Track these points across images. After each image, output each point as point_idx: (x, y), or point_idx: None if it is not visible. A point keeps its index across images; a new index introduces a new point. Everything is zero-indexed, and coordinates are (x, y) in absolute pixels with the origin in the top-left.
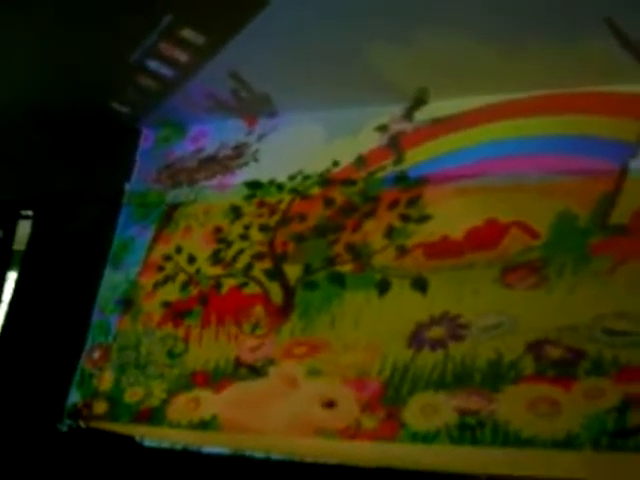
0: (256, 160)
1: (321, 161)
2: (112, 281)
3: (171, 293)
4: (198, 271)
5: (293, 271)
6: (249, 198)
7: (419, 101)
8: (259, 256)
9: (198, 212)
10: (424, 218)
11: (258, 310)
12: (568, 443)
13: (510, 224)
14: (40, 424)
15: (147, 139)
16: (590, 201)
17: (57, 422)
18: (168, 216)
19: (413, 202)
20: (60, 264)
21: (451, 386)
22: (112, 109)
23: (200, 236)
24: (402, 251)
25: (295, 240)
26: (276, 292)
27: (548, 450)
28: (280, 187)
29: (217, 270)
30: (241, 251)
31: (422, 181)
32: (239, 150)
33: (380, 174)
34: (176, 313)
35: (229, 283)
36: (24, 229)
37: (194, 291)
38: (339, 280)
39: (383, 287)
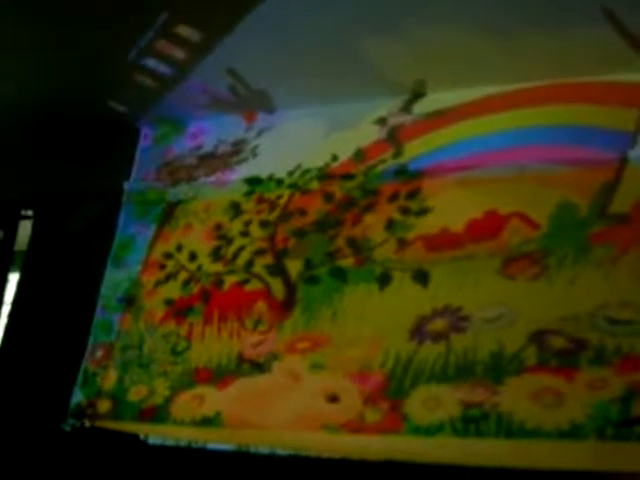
0: (255, 156)
1: (320, 155)
2: (114, 280)
3: (173, 291)
4: (199, 268)
5: (294, 266)
6: (249, 194)
7: (417, 94)
8: (260, 252)
9: (198, 209)
10: (424, 211)
11: (260, 306)
12: (573, 433)
13: (510, 215)
14: (44, 424)
15: (146, 137)
16: (590, 191)
17: (61, 422)
18: (168, 214)
19: (413, 195)
20: (61, 264)
21: (454, 378)
22: (110, 108)
23: (200, 233)
24: (402, 244)
25: (295, 235)
26: (278, 288)
27: (553, 441)
28: (279, 182)
29: (218, 267)
30: (242, 247)
31: (421, 174)
32: (238, 146)
33: (379, 167)
34: (178, 311)
35: (230, 280)
36: (25, 229)
37: (195, 288)
38: (340, 274)
39: (384, 280)
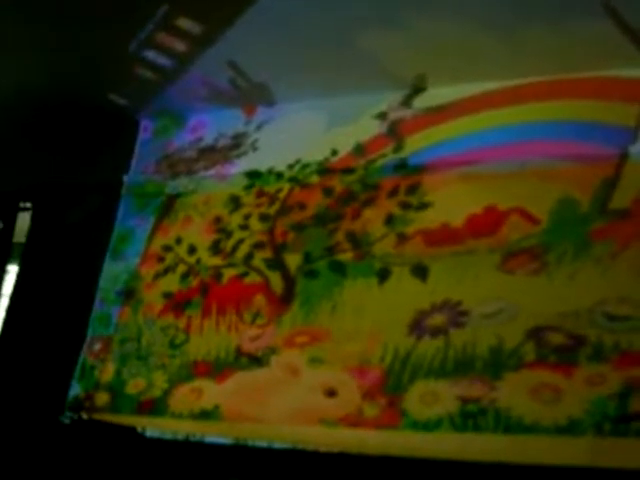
0: (255, 149)
1: (320, 149)
2: (112, 272)
3: (171, 284)
4: (198, 261)
5: (293, 260)
6: (248, 188)
7: (418, 88)
8: (259, 245)
9: (198, 202)
10: (424, 205)
11: (259, 299)
12: (570, 429)
13: (510, 210)
14: (42, 417)
15: (146, 130)
16: (590, 186)
17: (59, 415)
18: (168, 207)
19: (413, 189)
20: (60, 256)
21: (452, 373)
22: (111, 100)
23: (200, 226)
24: (402, 238)
25: (295, 229)
26: (277, 281)
27: (551, 436)
28: (279, 176)
29: (217, 260)
30: (241, 241)
31: (422, 168)
32: (238, 140)
33: (380, 162)
34: (177, 303)
35: (229, 273)
36: (23, 221)
37: (194, 281)
38: (339, 268)
39: (383, 275)
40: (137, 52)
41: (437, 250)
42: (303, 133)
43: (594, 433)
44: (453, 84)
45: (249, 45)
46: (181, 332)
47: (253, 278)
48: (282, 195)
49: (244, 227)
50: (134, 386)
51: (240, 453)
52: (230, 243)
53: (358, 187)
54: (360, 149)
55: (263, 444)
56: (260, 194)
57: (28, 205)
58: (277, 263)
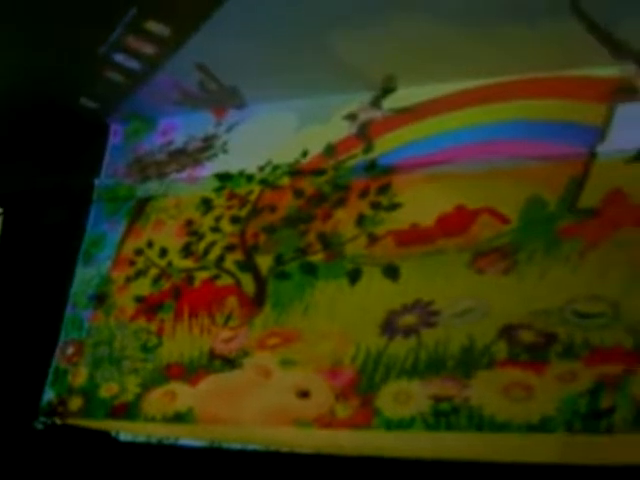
0: (225, 152)
1: (290, 151)
2: (84, 277)
3: (143, 287)
4: (170, 264)
5: (265, 262)
6: (219, 190)
7: (387, 89)
8: (231, 248)
9: (169, 205)
10: (394, 206)
11: (231, 302)
12: (542, 427)
13: (480, 210)
14: (15, 423)
15: (116, 134)
16: (559, 186)
17: (32, 420)
18: (139, 210)
19: (383, 190)
20: (31, 261)
21: (424, 373)
22: (80, 104)
23: (171, 229)
24: (373, 239)
25: (266, 231)
26: (248, 283)
27: (522, 434)
28: (250, 178)
29: (189, 263)
30: (212, 243)
31: (392, 169)
32: (208, 142)
33: (350, 163)
34: (149, 307)
35: (201, 276)
36: None
37: (166, 285)
38: (311, 270)
39: (355, 276)
40: (107, 55)
41: (408, 250)
42: (273, 134)
43: (565, 430)
44: (423, 84)
45: (218, 48)
46: (154, 335)
47: (225, 280)
48: (253, 197)
49: (215, 230)
50: (107, 390)
51: (214, 455)
52: (202, 246)
53: (328, 188)
54: (330, 150)
55: (237, 446)
56: (231, 196)
57: None
58: (249, 265)
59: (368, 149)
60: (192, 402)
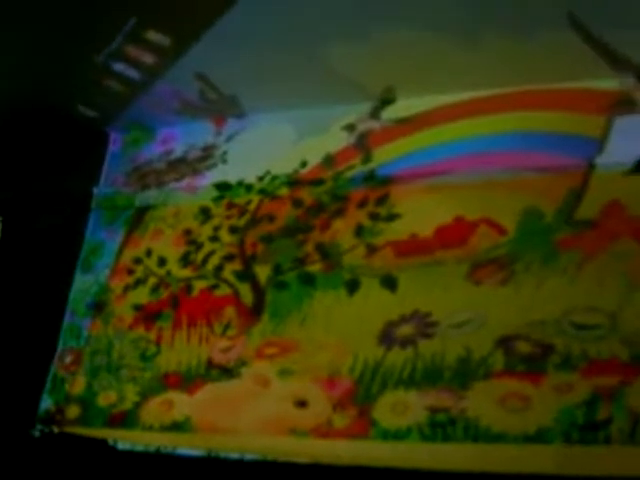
0: (225, 161)
1: (289, 161)
2: (83, 285)
3: (142, 296)
4: (168, 273)
5: (263, 272)
6: (218, 199)
7: (386, 100)
8: (229, 257)
9: (167, 214)
10: (393, 216)
11: (229, 311)
12: (539, 438)
13: (478, 221)
14: (13, 430)
15: (115, 142)
16: (557, 197)
17: (30, 428)
18: (137, 219)
19: (382, 201)
20: (30, 268)
21: (421, 384)
22: (80, 113)
23: (170, 238)
24: (371, 249)
25: (264, 241)
26: (247, 293)
27: (519, 445)
28: (249, 188)
29: (187, 272)
30: (211, 253)
31: (390, 180)
32: (208, 152)
33: (348, 173)
34: (147, 316)
35: (200, 285)
36: None
37: (165, 294)
38: (309, 280)
39: (352, 286)
40: (107, 64)
41: (406, 261)
42: (273, 144)
43: (562, 441)
44: (421, 95)
45: (218, 57)
46: (152, 344)
47: (223, 290)
48: (252, 207)
49: (214, 239)
50: (105, 399)
51: (212, 465)
52: (200, 255)
53: (327, 198)
54: (329, 160)
55: (235, 455)
56: (230, 206)
57: None
58: (247, 275)
59: (367, 160)
60: (190, 411)
